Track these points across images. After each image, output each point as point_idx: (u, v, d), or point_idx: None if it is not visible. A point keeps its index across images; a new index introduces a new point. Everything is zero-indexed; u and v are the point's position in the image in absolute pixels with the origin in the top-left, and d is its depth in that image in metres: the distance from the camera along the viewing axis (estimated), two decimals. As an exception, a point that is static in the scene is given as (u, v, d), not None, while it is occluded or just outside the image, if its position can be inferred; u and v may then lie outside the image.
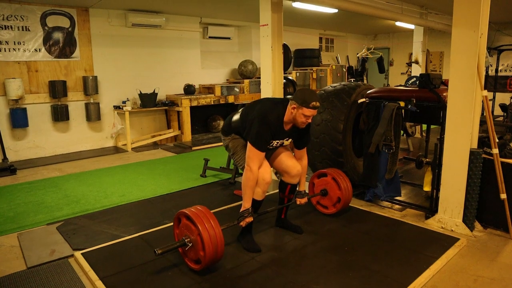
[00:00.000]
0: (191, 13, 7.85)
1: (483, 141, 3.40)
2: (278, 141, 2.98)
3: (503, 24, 9.67)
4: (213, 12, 7.91)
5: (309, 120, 2.83)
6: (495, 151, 3.19)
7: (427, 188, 3.90)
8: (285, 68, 7.78)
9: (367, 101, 3.87)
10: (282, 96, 4.69)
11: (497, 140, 3.30)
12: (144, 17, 7.26)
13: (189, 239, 2.58)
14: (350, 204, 3.71)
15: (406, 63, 10.92)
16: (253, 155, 2.78)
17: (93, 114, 6.88)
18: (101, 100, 7.07)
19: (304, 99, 2.71)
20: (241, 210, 2.86)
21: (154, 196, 4.39)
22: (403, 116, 3.74)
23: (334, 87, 4.29)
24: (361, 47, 8.05)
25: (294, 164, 3.13)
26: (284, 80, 6.16)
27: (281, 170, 3.18)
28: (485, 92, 3.23)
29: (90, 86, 6.75)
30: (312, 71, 9.63)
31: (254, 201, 2.94)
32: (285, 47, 5.04)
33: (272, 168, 3.08)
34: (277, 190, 3.41)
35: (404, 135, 6.46)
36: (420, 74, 3.84)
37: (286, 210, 3.35)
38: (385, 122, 3.60)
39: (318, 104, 2.75)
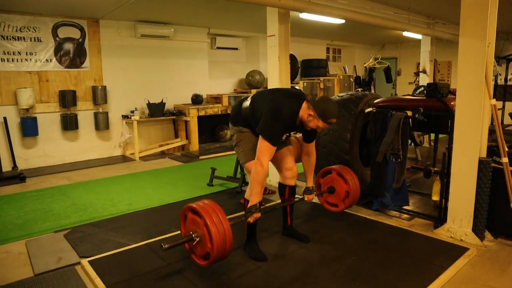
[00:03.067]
0: (199, 24, 7.95)
1: (492, 150, 3.36)
2: (287, 134, 2.95)
3: (511, 33, 9.63)
4: (221, 23, 8.00)
5: (319, 130, 2.84)
6: (505, 160, 3.15)
7: (435, 197, 3.86)
8: (292, 78, 7.81)
9: (374, 110, 3.87)
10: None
11: (506, 149, 3.27)
12: (153, 28, 7.36)
13: (196, 234, 2.49)
14: (357, 214, 3.68)
15: (414, 73, 10.89)
16: (265, 150, 2.71)
17: (101, 123, 6.95)
18: (109, 109, 7.15)
19: (324, 113, 2.66)
20: (249, 205, 2.81)
21: (161, 204, 4.41)
22: (410, 125, 3.73)
23: (341, 96, 4.29)
24: (369, 57, 8.05)
25: (291, 165, 3.11)
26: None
27: (280, 167, 3.17)
28: (494, 101, 3.21)
29: (99, 96, 6.83)
30: (319, 81, 9.65)
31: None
32: (292, 57, 5.08)
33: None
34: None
35: (412, 144, 6.42)
36: (428, 84, 3.83)
37: (291, 216, 3.31)
38: (392, 131, 3.58)
39: (335, 120, 2.72)
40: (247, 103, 3.01)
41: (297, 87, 8.65)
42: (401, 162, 3.65)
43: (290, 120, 2.79)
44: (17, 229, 3.73)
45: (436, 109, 3.59)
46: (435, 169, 3.93)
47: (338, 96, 4.33)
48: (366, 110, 3.96)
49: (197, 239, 2.50)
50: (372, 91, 8.99)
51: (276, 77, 4.74)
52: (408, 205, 3.85)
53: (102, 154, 7.20)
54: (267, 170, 2.78)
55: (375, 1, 6.09)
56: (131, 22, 7.22)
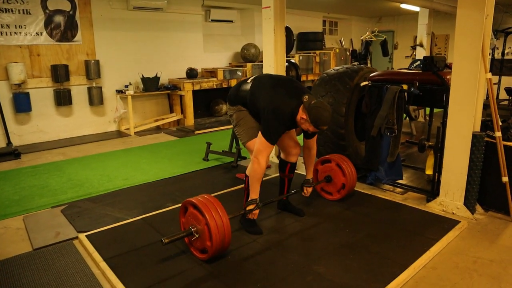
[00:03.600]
0: (193, -5, 7.77)
1: (486, 125, 3.38)
2: (288, 131, 3.03)
3: (511, 5, 9.48)
4: (216, -5, 7.82)
5: (310, 132, 2.87)
6: (498, 134, 3.17)
7: (429, 171, 3.90)
8: (287, 51, 7.70)
9: (369, 84, 3.85)
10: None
11: (500, 123, 3.28)
12: (146, 0, 7.17)
13: (195, 229, 2.54)
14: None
15: (411, 46, 10.77)
16: (263, 148, 2.76)
17: (95, 99, 6.88)
18: (103, 84, 7.06)
19: (316, 121, 2.66)
20: (248, 201, 2.87)
21: (157, 179, 4.43)
22: (405, 99, 3.72)
23: (337, 70, 4.26)
24: (365, 30, 7.94)
25: (295, 144, 3.16)
26: (287, 63, 6.11)
27: (281, 147, 3.20)
28: (489, 75, 3.19)
29: (92, 70, 6.73)
30: (315, 54, 9.54)
31: None
32: (288, 30, 5.00)
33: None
34: (278, 174, 3.42)
35: (407, 118, 6.43)
36: (424, 57, 3.80)
37: (287, 191, 3.36)
38: (387, 105, 3.58)
39: (326, 127, 2.75)
40: (247, 86, 3.00)
41: (292, 61, 8.55)
42: (396, 136, 3.66)
43: (290, 119, 2.81)
44: (14, 205, 3.75)
45: (431, 83, 3.58)
46: (429, 143, 3.94)
47: (334, 70, 4.30)
48: (362, 84, 3.94)
49: (197, 235, 2.55)
50: (369, 64, 8.92)
51: (272, 50, 4.67)
52: (402, 179, 3.89)
53: (97, 130, 7.17)
54: (264, 168, 2.81)
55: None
56: (122, -6, 7.04)
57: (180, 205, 3.37)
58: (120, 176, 4.58)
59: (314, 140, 3.14)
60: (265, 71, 4.75)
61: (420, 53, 7.76)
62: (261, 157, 2.76)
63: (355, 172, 3.55)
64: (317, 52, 9.61)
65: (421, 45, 7.70)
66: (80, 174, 4.68)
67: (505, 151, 3.19)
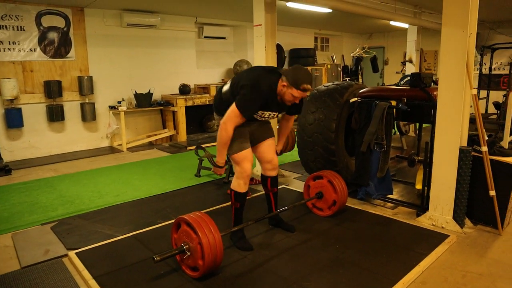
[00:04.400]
0: (186, 13, 7.87)
1: (473, 139, 3.44)
2: (270, 112, 2.94)
3: (496, 23, 9.73)
4: (208, 12, 7.93)
5: (297, 101, 2.82)
6: (484, 148, 3.23)
7: (419, 186, 3.94)
8: (279, 67, 7.77)
9: (359, 100, 3.91)
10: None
11: (486, 138, 3.34)
12: (139, 17, 7.27)
13: (187, 247, 2.54)
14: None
15: (401, 62, 10.97)
16: (233, 116, 2.73)
17: (88, 114, 6.89)
18: (96, 100, 7.08)
19: (295, 80, 2.67)
20: (216, 162, 2.91)
21: (148, 195, 4.42)
22: (394, 115, 3.78)
23: (327, 86, 4.33)
24: (356, 46, 8.07)
25: (271, 157, 3.15)
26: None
27: (260, 159, 3.20)
28: (474, 91, 3.27)
29: (85, 86, 6.76)
30: (307, 70, 9.65)
31: (238, 194, 2.98)
32: (278, 47, 5.08)
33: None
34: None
35: (398, 133, 6.51)
36: (411, 73, 3.88)
37: (276, 206, 3.35)
38: (376, 121, 3.63)
39: (309, 86, 2.70)
40: (227, 86, 3.01)
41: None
42: (385, 151, 3.71)
43: (269, 95, 2.78)
44: (3, 222, 3.72)
45: (419, 99, 3.65)
46: (419, 158, 4.00)
47: (324, 86, 4.36)
48: (351, 100, 4.00)
49: (189, 253, 2.55)
50: (360, 80, 9.06)
51: (263, 67, 4.75)
52: (392, 194, 3.92)
53: (89, 146, 7.15)
54: (231, 135, 2.79)
55: (362, -10, 6.11)
56: (116, 11, 7.12)
57: (171, 221, 3.39)
58: (112, 192, 4.56)
59: (293, 117, 3.25)
60: (257, 87, 4.80)
61: (410, 69, 7.90)
62: (229, 124, 2.74)
63: (346, 189, 3.57)
64: (309, 68, 9.73)
65: (410, 61, 7.84)
66: (71, 190, 4.66)
67: (492, 166, 3.24)
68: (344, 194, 3.54)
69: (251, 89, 2.72)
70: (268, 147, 3.14)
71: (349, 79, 8.26)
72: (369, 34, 12.73)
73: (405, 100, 3.58)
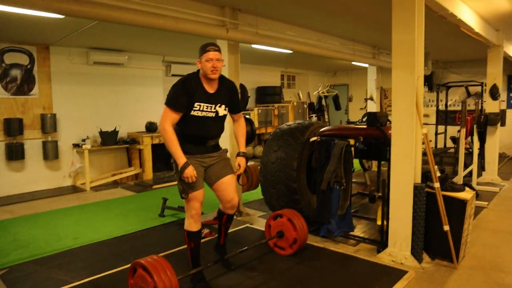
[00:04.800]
0: (154, 51, 7.98)
1: (427, 176, 3.59)
2: (207, 104, 2.95)
3: (449, 63, 10.40)
4: (176, 51, 8.07)
5: (217, 64, 2.88)
6: (437, 185, 3.37)
7: (379, 222, 4.03)
8: (243, 107, 7.90)
9: (318, 139, 4.03)
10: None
11: (438, 174, 3.50)
12: (106, 55, 7.30)
13: None
14: (305, 241, 3.76)
15: (364, 99, 11.44)
16: (165, 115, 2.86)
17: (50, 153, 6.71)
18: (59, 138, 6.93)
19: (201, 49, 2.89)
20: (179, 167, 2.83)
21: (109, 238, 4.28)
22: (352, 153, 3.91)
23: (289, 125, 4.44)
24: (320, 84, 8.39)
25: (231, 197, 3.15)
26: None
27: (220, 198, 3.20)
28: (425, 130, 3.45)
29: (48, 124, 6.62)
30: (274, 107, 9.89)
31: (190, 233, 2.97)
32: (242, 87, 5.22)
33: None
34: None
35: (361, 169, 6.68)
36: (368, 113, 4.06)
37: (224, 238, 3.39)
38: (335, 160, 3.74)
39: (215, 46, 2.90)
40: None
41: (247, 117, 8.78)
42: (345, 189, 3.80)
43: (194, 84, 2.91)
44: (-51, 270, 3.49)
45: (375, 137, 3.80)
46: (379, 194, 4.11)
47: (286, 125, 4.48)
48: (311, 139, 4.11)
49: None
50: (326, 117, 9.33)
51: (227, 106, 4.83)
52: (352, 231, 3.99)
53: (51, 185, 6.91)
54: (172, 133, 2.84)
55: (322, 32, 6.42)
56: (83, 49, 7.13)
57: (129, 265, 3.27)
58: (71, 235, 4.40)
59: (240, 115, 3.31)
60: (221, 125, 4.86)
61: (371, 106, 8.25)
62: (166, 125, 2.84)
63: (306, 227, 3.61)
64: (276, 105, 9.97)
65: (371, 99, 8.20)
66: (27, 233, 4.45)
67: (444, 201, 3.38)
68: (304, 231, 3.57)
69: (174, 86, 2.92)
70: (228, 185, 3.15)
71: (315, 116, 8.49)
72: (333, 72, 13.26)
73: (361, 139, 3.73)
